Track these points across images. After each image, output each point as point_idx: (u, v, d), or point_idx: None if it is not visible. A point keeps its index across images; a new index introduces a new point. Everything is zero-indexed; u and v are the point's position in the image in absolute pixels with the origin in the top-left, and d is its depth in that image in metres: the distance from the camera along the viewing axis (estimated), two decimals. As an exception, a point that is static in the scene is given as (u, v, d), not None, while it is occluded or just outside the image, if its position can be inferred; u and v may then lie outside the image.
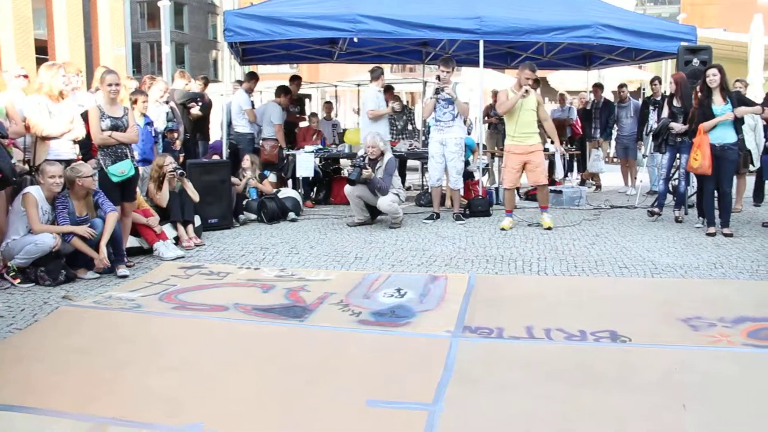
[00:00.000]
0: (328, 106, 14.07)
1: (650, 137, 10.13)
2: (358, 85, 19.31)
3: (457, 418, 3.18)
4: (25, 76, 6.78)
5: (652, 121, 10.11)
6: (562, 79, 18.38)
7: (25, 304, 5.11)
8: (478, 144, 10.44)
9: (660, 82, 10.91)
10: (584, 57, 12.99)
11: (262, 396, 3.48)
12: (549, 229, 7.77)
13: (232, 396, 3.48)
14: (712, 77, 7.41)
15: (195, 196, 7.50)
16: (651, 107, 10.41)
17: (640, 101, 11.91)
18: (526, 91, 7.84)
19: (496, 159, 11.97)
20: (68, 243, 5.78)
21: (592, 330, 4.38)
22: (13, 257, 5.63)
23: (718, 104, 7.40)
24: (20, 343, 4.11)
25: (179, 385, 3.62)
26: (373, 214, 8.48)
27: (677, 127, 8.09)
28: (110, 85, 6.29)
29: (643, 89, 20.01)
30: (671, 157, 8.40)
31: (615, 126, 12.12)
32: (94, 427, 3.12)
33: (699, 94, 7.66)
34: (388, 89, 11.72)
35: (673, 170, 8.60)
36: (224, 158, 9.35)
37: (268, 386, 3.61)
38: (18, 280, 5.60)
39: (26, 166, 6.38)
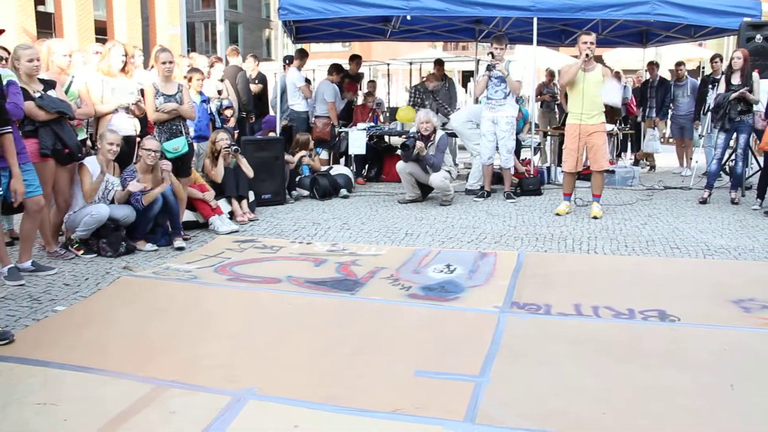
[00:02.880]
0: (371, 84, 14.11)
1: (708, 117, 9.93)
2: (411, 63, 19.27)
3: (503, 390, 3.24)
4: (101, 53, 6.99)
5: (710, 100, 9.90)
6: (618, 58, 18.05)
7: (89, 273, 5.33)
8: (529, 122, 10.34)
9: (721, 60, 10.61)
10: (641, 34, 12.74)
11: (313, 364, 3.59)
12: (596, 218, 7.38)
13: (285, 364, 3.60)
14: None
15: (249, 172, 7.65)
16: (710, 86, 10.17)
17: (699, 80, 11.64)
18: (587, 56, 7.32)
19: (549, 138, 11.87)
20: (140, 204, 6.03)
21: (641, 309, 4.38)
22: (75, 230, 5.85)
23: None
24: (85, 310, 4.30)
25: (234, 353, 3.76)
26: (424, 192, 8.54)
27: (738, 92, 7.80)
28: (164, 63, 6.46)
29: (703, 67, 19.53)
30: (727, 137, 8.21)
31: (671, 105, 11.88)
32: (153, 388, 3.26)
33: None
34: (439, 63, 11.73)
35: (729, 151, 8.40)
36: (278, 135, 9.50)
37: (319, 355, 3.72)
38: (81, 252, 5.83)
39: (89, 142, 6.61)
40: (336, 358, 3.67)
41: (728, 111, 7.92)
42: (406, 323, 4.25)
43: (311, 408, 3.07)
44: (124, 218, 5.97)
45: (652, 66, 12.04)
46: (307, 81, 10.87)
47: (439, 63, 11.71)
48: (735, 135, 8.09)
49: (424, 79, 12.18)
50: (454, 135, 10.11)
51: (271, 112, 11.07)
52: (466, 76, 26.17)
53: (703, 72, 16.50)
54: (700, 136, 10.89)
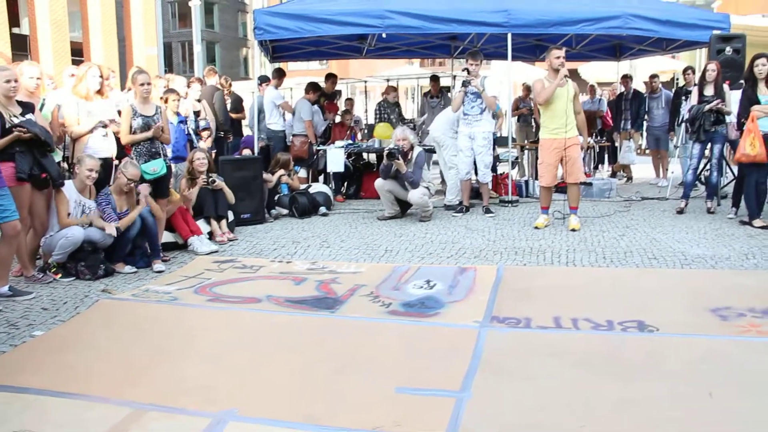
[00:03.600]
0: (349, 102, 14.17)
1: (682, 128, 10.05)
2: (388, 80, 19.37)
3: (484, 406, 3.25)
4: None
5: (684, 111, 10.03)
6: (593, 71, 18.26)
7: (68, 297, 5.28)
8: (503, 111, 10.29)
9: (693, 72, 10.76)
10: (614, 48, 12.90)
11: (294, 384, 3.58)
12: (574, 230, 7.42)
13: (265, 384, 3.59)
14: (762, 67, 7.29)
15: (231, 198, 7.64)
16: (683, 97, 10.31)
17: (673, 92, 11.80)
18: (565, 75, 7.43)
19: (526, 152, 11.95)
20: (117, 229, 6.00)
21: (620, 320, 4.41)
22: (52, 254, 5.81)
23: (764, 93, 7.32)
24: (64, 334, 4.27)
25: (214, 374, 3.74)
26: (403, 208, 8.57)
27: (712, 103, 7.89)
28: (142, 84, 6.46)
29: (677, 79, 19.78)
30: (702, 148, 8.31)
31: (646, 117, 12.02)
32: (133, 412, 3.24)
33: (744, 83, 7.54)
34: (434, 79, 11.86)
35: (704, 161, 8.51)
36: (256, 154, 9.50)
37: (300, 374, 3.71)
38: (59, 275, 5.79)
39: (65, 164, 6.58)
40: (317, 377, 3.66)
41: (702, 122, 8.02)
42: (386, 340, 4.25)
43: (292, 428, 3.07)
44: (101, 240, 5.94)
45: (626, 79, 12.20)
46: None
47: (434, 79, 11.81)
48: (709, 145, 8.19)
49: (385, 94, 12.33)
50: (430, 151, 10.17)
51: (247, 132, 11.08)
52: (443, 91, 26.28)
53: (676, 83, 16.68)
54: (675, 146, 11.03)
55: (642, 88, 12.89)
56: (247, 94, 12.38)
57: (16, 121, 5.33)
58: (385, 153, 8.26)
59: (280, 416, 3.18)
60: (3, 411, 3.29)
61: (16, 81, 5.43)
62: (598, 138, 12.38)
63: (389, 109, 11.87)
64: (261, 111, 10.35)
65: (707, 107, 7.94)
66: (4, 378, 3.68)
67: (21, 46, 22.07)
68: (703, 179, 9.19)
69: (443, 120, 9.45)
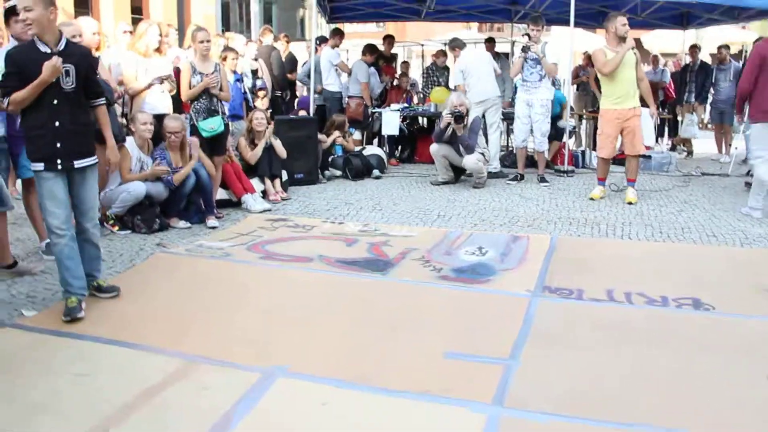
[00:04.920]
0: (405, 65, 14.03)
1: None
2: (445, 44, 19.11)
3: (533, 374, 3.23)
4: (131, 32, 7.04)
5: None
6: (656, 41, 17.70)
7: (123, 249, 5.40)
8: (566, 106, 10.16)
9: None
10: (681, 16, 12.47)
11: (343, 343, 3.61)
12: (630, 204, 7.26)
13: (315, 342, 3.62)
14: None
15: (283, 153, 7.68)
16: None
17: (741, 64, 11.38)
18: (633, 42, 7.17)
19: (584, 121, 11.72)
20: (169, 183, 6.09)
21: (675, 296, 4.32)
22: (111, 206, 5.93)
23: None
24: (120, 285, 4.35)
25: (265, 330, 3.80)
26: (457, 174, 8.51)
27: None
28: (202, 42, 6.47)
29: (746, 52, 19.08)
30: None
31: (712, 90, 11.63)
32: (186, 363, 3.31)
33: None
34: (489, 41, 11.60)
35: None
36: (311, 115, 9.51)
37: (349, 334, 3.74)
38: (116, 228, 5.91)
39: (123, 120, 6.67)
40: (366, 338, 3.69)
41: None
42: (436, 305, 4.25)
43: (340, 386, 3.09)
44: (157, 195, 6.04)
45: (694, 49, 11.79)
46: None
47: (489, 41, 11.51)
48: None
49: (435, 57, 12.13)
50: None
51: (302, 92, 11.08)
52: (499, 55, 25.82)
53: (745, 56, 16.08)
54: (740, 122, 10.66)
55: (708, 60, 12.46)
56: (303, 54, 12.32)
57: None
58: (447, 116, 8.12)
59: (329, 374, 3.21)
60: (60, 358, 3.39)
61: (80, 36, 5.49)
62: (660, 110, 12.04)
63: (438, 73, 11.68)
64: (318, 72, 10.31)
65: None
66: (63, 325, 3.80)
67: (82, 3, 22.37)
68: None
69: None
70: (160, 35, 6.62)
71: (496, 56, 11.40)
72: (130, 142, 6.02)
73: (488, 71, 9.26)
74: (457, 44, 9.78)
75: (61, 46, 3.90)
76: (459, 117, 8.09)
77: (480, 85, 9.06)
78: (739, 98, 7.04)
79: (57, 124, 3.89)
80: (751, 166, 7.84)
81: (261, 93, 8.87)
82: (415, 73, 16.23)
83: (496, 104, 9.13)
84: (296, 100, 10.28)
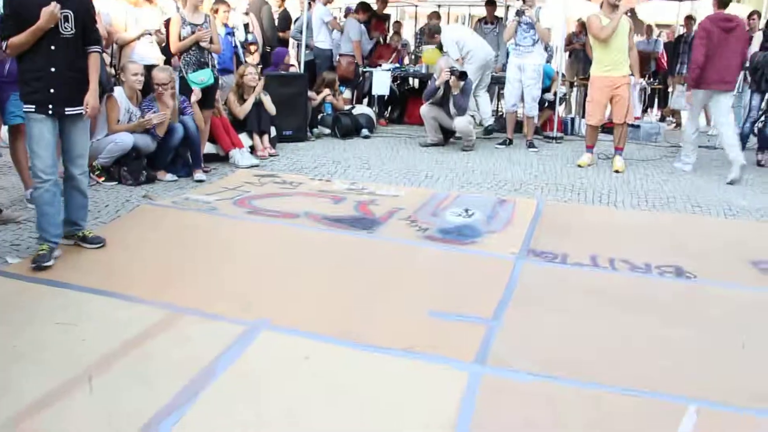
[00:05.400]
0: (398, 25, 13.86)
1: (740, 76, 9.70)
2: (439, 6, 18.92)
3: (515, 334, 3.27)
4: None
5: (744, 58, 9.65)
6: (652, 11, 17.56)
7: (109, 200, 5.37)
8: (557, 73, 10.11)
9: (759, 17, 10.31)
10: (678, -14, 12.39)
11: (327, 300, 3.63)
12: (617, 172, 7.26)
13: (300, 297, 3.64)
14: None
15: (272, 109, 7.61)
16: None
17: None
18: (626, 12, 7.19)
19: (574, 88, 11.68)
20: (155, 135, 6.04)
21: (658, 264, 4.36)
22: (98, 157, 5.87)
23: None
24: (105, 236, 4.33)
25: (250, 284, 3.81)
26: (446, 136, 8.49)
27: None
28: (194, -9, 6.37)
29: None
30: (761, 98, 8.01)
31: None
32: (169, 314, 3.32)
33: None
34: (490, 3, 11.47)
35: (759, 112, 8.22)
36: (301, 71, 9.42)
37: (334, 291, 3.75)
38: (102, 179, 5.86)
39: (112, 70, 6.58)
40: (350, 295, 3.71)
41: (765, 71, 7.71)
42: (422, 264, 4.27)
43: (323, 341, 3.12)
44: (145, 147, 5.99)
45: (689, 20, 11.71)
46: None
47: (490, 3, 11.32)
48: (766, 96, 7.90)
49: (429, 18, 12.04)
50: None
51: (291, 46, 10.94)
52: (498, 18, 25.61)
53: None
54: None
55: (702, 32, 12.36)
56: (297, 11, 12.15)
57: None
58: (446, 72, 8.05)
59: (313, 329, 3.23)
60: (43, 306, 3.39)
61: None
62: (651, 80, 12.01)
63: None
64: (309, 28, 10.19)
65: None
66: (48, 273, 3.80)
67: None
68: (755, 131, 8.90)
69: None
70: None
71: (496, 20, 11.29)
72: (119, 92, 5.94)
73: (477, 35, 9.37)
74: (435, 30, 9.91)
75: None
76: (462, 73, 8.06)
77: (480, 48, 9.07)
78: (696, 69, 7.24)
79: (53, 69, 3.87)
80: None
81: (252, 48, 8.77)
82: (408, 34, 16.06)
83: (492, 65, 9.15)
84: (272, 52, 10.01)
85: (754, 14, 10.54)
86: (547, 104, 9.43)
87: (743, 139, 8.28)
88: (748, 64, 8.22)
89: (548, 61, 9.76)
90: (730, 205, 6.04)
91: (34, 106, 3.85)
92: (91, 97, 4.16)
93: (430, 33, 10.13)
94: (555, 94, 9.51)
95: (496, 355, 3.04)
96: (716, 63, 7.14)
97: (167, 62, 6.72)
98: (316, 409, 2.58)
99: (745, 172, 7.10)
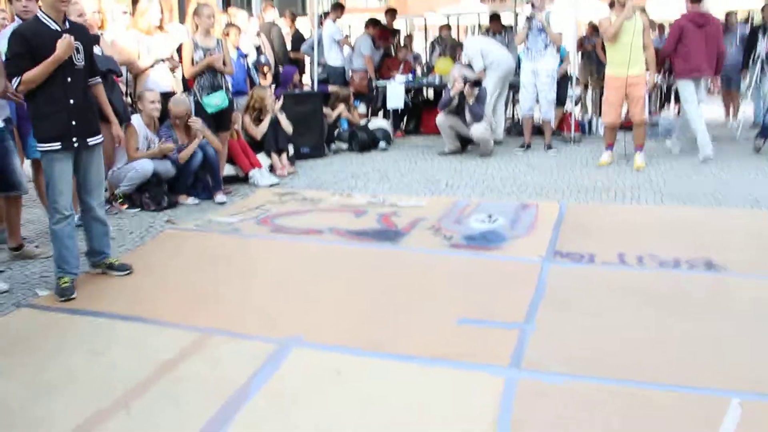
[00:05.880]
0: (409, 39, 13.89)
1: (757, 66, 9.62)
2: (448, 16, 18.95)
3: (548, 337, 3.24)
4: (131, 14, 6.99)
5: (760, 48, 9.57)
6: (662, 9, 17.46)
7: (133, 227, 5.40)
8: (569, 54, 9.95)
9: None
10: (687, -18, 12.29)
11: (356, 313, 3.61)
12: (639, 170, 7.24)
13: (329, 312, 3.63)
14: None
15: (288, 128, 7.65)
16: (761, 34, 9.82)
17: (748, 29, 11.22)
18: (634, 8, 7.16)
19: (590, 89, 11.62)
20: (175, 161, 6.07)
21: (687, 258, 4.31)
22: (119, 185, 5.92)
23: None
24: (131, 263, 4.36)
25: (279, 302, 3.80)
26: (464, 145, 8.47)
27: None
28: (208, 17, 6.42)
29: (752, 17, 18.88)
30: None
31: (718, 56, 11.46)
32: (201, 337, 3.31)
33: None
34: (495, 18, 11.51)
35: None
36: (315, 89, 9.45)
37: (363, 304, 3.74)
38: (125, 206, 5.92)
39: (128, 99, 6.65)
40: (380, 307, 3.69)
41: None
42: (448, 272, 4.24)
43: (354, 354, 3.11)
44: (165, 173, 6.03)
45: (702, 15, 11.61)
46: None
47: (494, 18, 11.41)
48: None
49: (441, 30, 12.18)
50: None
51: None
52: (506, 28, 25.65)
53: (752, 22, 15.89)
54: (747, 87, 10.54)
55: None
56: (305, 31, 12.24)
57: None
58: (458, 83, 8.07)
59: (343, 343, 3.22)
60: (74, 336, 3.41)
61: (83, 15, 5.45)
62: (667, 76, 11.90)
63: (443, 46, 11.73)
64: (321, 46, 10.23)
65: None
66: (77, 303, 3.82)
67: (83, -18, 22.23)
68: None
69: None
70: (161, 12, 6.56)
71: (503, 30, 11.31)
72: (137, 120, 6.01)
73: (500, 45, 9.47)
74: (457, 44, 10.38)
75: (66, 23, 3.88)
76: (476, 81, 8.06)
77: (504, 57, 9.15)
78: (662, 58, 7.96)
79: (71, 102, 3.88)
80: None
81: (265, 68, 8.81)
82: (418, 46, 16.11)
83: (513, 74, 9.22)
84: (281, 71, 10.04)
85: (767, 6, 10.45)
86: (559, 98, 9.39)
87: (766, 128, 8.20)
88: (764, 55, 8.16)
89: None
90: (756, 197, 5.95)
91: (59, 143, 3.83)
92: (116, 127, 4.21)
93: (452, 48, 10.20)
94: (567, 86, 9.49)
95: (531, 359, 3.00)
96: (692, 55, 7.71)
97: (184, 87, 6.78)
98: (351, 423, 2.56)
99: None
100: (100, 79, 4.21)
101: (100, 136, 4.07)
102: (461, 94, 8.09)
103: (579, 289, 3.88)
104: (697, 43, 7.72)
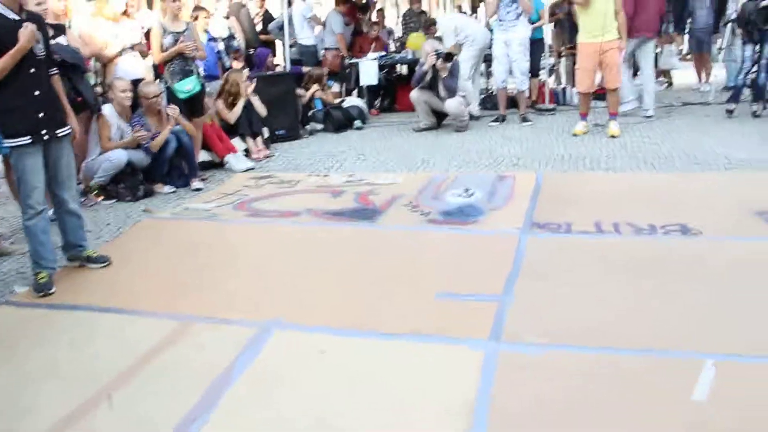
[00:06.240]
0: (380, 14, 13.79)
1: (728, 29, 9.67)
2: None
3: (527, 308, 3.26)
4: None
5: (730, 11, 9.61)
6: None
7: (110, 218, 5.36)
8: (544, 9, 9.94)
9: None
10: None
11: (336, 293, 3.62)
12: (614, 137, 7.26)
13: (308, 293, 3.63)
14: None
15: (263, 110, 7.60)
16: (730, -3, 9.88)
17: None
18: None
19: (563, 59, 11.62)
20: (148, 150, 6.01)
21: (662, 224, 4.35)
22: (94, 176, 5.87)
23: None
24: (109, 254, 4.33)
25: (258, 286, 3.80)
26: (439, 119, 8.47)
27: None
28: (173, 0, 6.34)
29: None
30: (753, 48, 7.97)
31: (689, 19, 11.51)
32: (181, 324, 3.31)
33: None
34: None
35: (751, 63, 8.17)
36: (288, 69, 9.39)
37: (342, 283, 3.75)
38: (101, 198, 5.86)
39: (98, 89, 6.56)
40: (359, 285, 3.70)
41: (756, 21, 7.67)
42: (427, 248, 4.26)
43: (336, 334, 3.11)
44: (139, 162, 5.98)
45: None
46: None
47: None
48: (758, 45, 7.85)
49: (411, 3, 12.14)
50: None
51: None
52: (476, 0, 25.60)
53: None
54: (719, 49, 10.60)
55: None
56: (277, 11, 12.11)
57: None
58: (433, 56, 8.04)
59: (325, 323, 3.23)
60: (55, 329, 3.39)
61: (45, 3, 5.35)
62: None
63: (415, 19, 11.72)
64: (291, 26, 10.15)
65: (764, 3, 7.57)
66: (55, 296, 3.79)
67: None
68: (748, 81, 8.87)
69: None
70: (126, -1, 6.49)
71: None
72: (109, 109, 5.93)
73: (473, 20, 9.62)
74: (430, 23, 10.34)
75: (23, 13, 3.80)
76: (448, 55, 8.03)
77: (479, 32, 9.14)
78: (629, 20, 7.72)
79: (37, 93, 3.78)
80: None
81: (237, 55, 8.75)
82: (390, 22, 16.01)
83: (488, 48, 9.18)
84: (255, 54, 9.96)
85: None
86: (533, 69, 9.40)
87: (738, 91, 8.25)
88: (735, 16, 8.20)
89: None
90: (729, 159, 6.01)
91: (29, 137, 3.74)
92: (72, 120, 4.13)
93: (426, 26, 10.17)
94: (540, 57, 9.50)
95: (511, 331, 3.03)
96: (641, 14, 8.01)
97: (155, 74, 6.71)
98: (337, 401, 2.58)
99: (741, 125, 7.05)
100: (57, 70, 4.11)
101: (67, 127, 4.00)
102: (434, 69, 8.07)
103: (557, 259, 3.91)
104: (648, 2, 8.12)
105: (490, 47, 9.04)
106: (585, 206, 4.83)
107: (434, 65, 8.03)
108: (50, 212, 4.19)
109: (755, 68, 8.09)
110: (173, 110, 6.16)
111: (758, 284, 3.38)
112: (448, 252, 4.17)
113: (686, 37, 12.11)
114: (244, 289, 3.75)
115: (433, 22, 10.18)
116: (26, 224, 3.88)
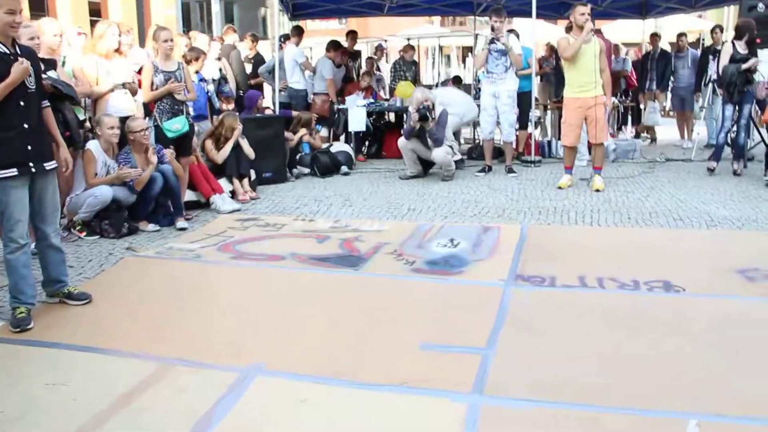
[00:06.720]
0: (370, 62, 13.99)
1: (709, 88, 9.87)
2: (408, 39, 19.15)
3: (510, 361, 3.25)
4: (85, 34, 6.93)
5: (711, 71, 9.82)
6: (617, 31, 17.89)
7: (92, 255, 5.32)
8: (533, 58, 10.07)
9: (721, 31, 10.54)
10: (641, 6, 12.64)
11: (319, 340, 3.59)
12: (598, 191, 7.32)
13: (291, 339, 3.60)
14: None
15: (251, 154, 7.62)
16: (711, 56, 10.11)
17: (699, 51, 11.54)
18: (591, 30, 7.28)
19: (548, 111, 11.80)
20: (134, 188, 5.99)
21: (646, 279, 4.37)
22: (78, 212, 5.83)
23: None
24: (90, 291, 4.27)
25: (240, 330, 3.76)
26: (426, 168, 8.52)
27: (751, 62, 7.80)
28: (165, 41, 6.40)
29: (703, 39, 19.41)
30: (734, 108, 8.14)
31: (672, 77, 11.79)
32: (162, 366, 3.26)
33: None
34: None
35: (732, 122, 8.35)
36: (277, 112, 9.45)
37: (325, 331, 3.72)
38: (84, 233, 5.81)
39: (88, 124, 6.57)
40: (342, 333, 3.68)
41: (737, 82, 7.84)
42: (411, 298, 4.25)
43: (318, 382, 3.08)
44: (125, 199, 5.96)
45: (654, 38, 11.92)
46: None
47: (456, 80, 11.68)
48: (737, 106, 8.04)
49: (402, 52, 12.29)
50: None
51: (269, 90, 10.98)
52: (465, 51, 26.06)
53: (703, 44, 16.35)
54: (701, 108, 10.82)
55: (668, 49, 12.63)
56: (268, 54, 12.28)
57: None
58: (415, 114, 8.14)
59: (307, 371, 3.19)
60: (32, 367, 3.33)
61: (38, 38, 5.39)
62: (623, 98, 12.18)
63: (405, 68, 11.83)
64: (282, 69, 10.23)
65: (745, 66, 7.77)
66: (35, 333, 3.73)
67: (38, 6, 21.96)
68: (729, 141, 9.05)
69: (458, 103, 9.52)
70: (119, 36, 6.51)
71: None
72: (95, 145, 5.92)
73: (461, 95, 9.84)
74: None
75: (16, 47, 3.82)
76: (424, 116, 8.10)
77: (469, 109, 9.51)
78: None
79: (26, 126, 3.78)
80: None
81: (227, 100, 8.82)
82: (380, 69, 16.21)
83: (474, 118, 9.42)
84: (245, 96, 10.00)
85: (717, 28, 10.79)
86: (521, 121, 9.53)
87: (719, 150, 8.40)
88: (715, 77, 8.37)
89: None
90: (711, 216, 6.10)
91: (15, 169, 3.72)
92: (64, 151, 4.13)
93: (414, 72, 10.32)
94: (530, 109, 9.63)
95: (494, 384, 3.01)
96: None
97: (145, 112, 6.73)
98: (317, 453, 2.54)
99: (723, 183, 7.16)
100: (47, 103, 4.13)
101: (54, 161, 4.00)
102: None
103: (540, 312, 3.91)
104: None
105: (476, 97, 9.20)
106: (569, 260, 4.86)
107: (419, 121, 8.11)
108: (32, 246, 4.16)
109: (734, 128, 8.27)
110: (170, 153, 6.17)
111: (741, 342, 3.40)
112: (432, 301, 4.16)
113: (669, 94, 12.38)
114: (226, 333, 3.71)
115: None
116: (8, 257, 3.84)
